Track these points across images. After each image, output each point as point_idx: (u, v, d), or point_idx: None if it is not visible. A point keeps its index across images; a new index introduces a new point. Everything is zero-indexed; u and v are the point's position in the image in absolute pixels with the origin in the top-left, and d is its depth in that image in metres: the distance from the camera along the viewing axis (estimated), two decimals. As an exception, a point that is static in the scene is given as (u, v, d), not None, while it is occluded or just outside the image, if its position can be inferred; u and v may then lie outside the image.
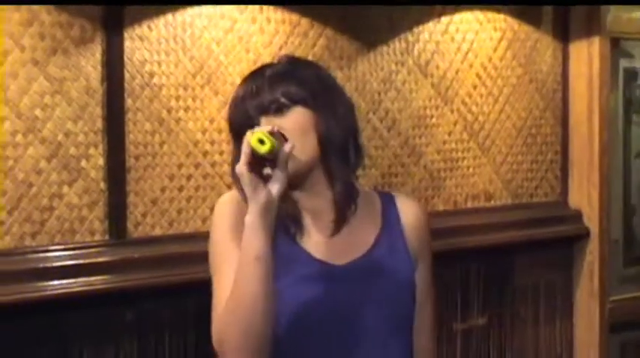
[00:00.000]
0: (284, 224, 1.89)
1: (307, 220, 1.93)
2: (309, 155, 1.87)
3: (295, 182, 1.88)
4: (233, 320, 1.76)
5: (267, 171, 1.74)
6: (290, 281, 1.86)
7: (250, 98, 1.88)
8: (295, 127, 1.85)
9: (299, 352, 1.87)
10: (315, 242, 1.91)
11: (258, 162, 1.74)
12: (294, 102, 1.87)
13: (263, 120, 1.86)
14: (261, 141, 1.71)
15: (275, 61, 1.99)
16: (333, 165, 1.89)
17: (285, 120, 1.86)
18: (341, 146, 1.91)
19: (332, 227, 1.92)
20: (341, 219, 1.92)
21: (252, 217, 1.74)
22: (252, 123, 1.85)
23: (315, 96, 1.88)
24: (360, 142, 1.97)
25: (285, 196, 1.85)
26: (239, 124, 1.89)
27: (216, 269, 1.87)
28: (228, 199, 1.92)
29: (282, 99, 1.86)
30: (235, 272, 1.76)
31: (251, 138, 1.72)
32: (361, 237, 1.93)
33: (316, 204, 1.92)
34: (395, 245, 1.95)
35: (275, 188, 1.74)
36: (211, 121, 2.96)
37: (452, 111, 3.51)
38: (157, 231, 2.88)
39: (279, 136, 1.79)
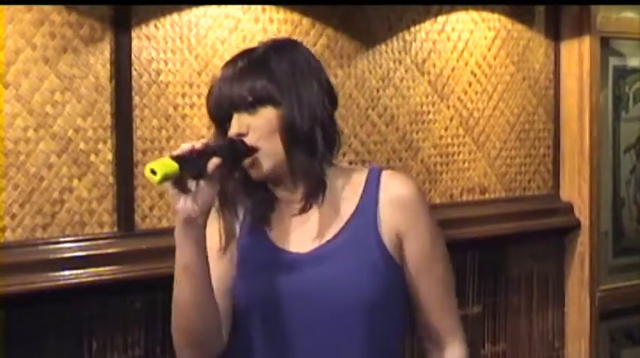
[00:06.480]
0: (253, 213, 1.87)
1: (278, 209, 1.88)
2: (279, 153, 1.81)
3: (270, 176, 1.84)
4: (175, 321, 1.81)
5: (190, 185, 1.70)
6: (248, 269, 1.85)
7: (224, 89, 1.83)
8: (264, 127, 1.80)
9: (258, 338, 1.84)
10: (282, 230, 1.87)
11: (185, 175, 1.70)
12: (262, 101, 1.80)
13: (235, 116, 1.81)
14: (153, 172, 1.64)
15: (257, 44, 1.90)
16: (295, 160, 1.81)
17: (254, 119, 1.80)
18: (304, 139, 1.81)
19: (297, 216, 1.85)
20: (303, 212, 1.84)
21: (177, 230, 1.74)
22: (227, 116, 1.82)
23: (282, 90, 1.80)
24: (331, 129, 1.85)
25: (257, 185, 1.85)
26: (215, 115, 1.85)
27: None
28: None
29: (250, 98, 1.79)
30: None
31: (146, 166, 1.65)
32: (331, 221, 1.85)
33: (286, 194, 1.87)
34: (365, 225, 1.84)
35: (198, 202, 1.70)
36: (216, 117, 2.93)
37: (448, 108, 3.49)
38: (164, 224, 2.85)
39: (204, 153, 1.70)
